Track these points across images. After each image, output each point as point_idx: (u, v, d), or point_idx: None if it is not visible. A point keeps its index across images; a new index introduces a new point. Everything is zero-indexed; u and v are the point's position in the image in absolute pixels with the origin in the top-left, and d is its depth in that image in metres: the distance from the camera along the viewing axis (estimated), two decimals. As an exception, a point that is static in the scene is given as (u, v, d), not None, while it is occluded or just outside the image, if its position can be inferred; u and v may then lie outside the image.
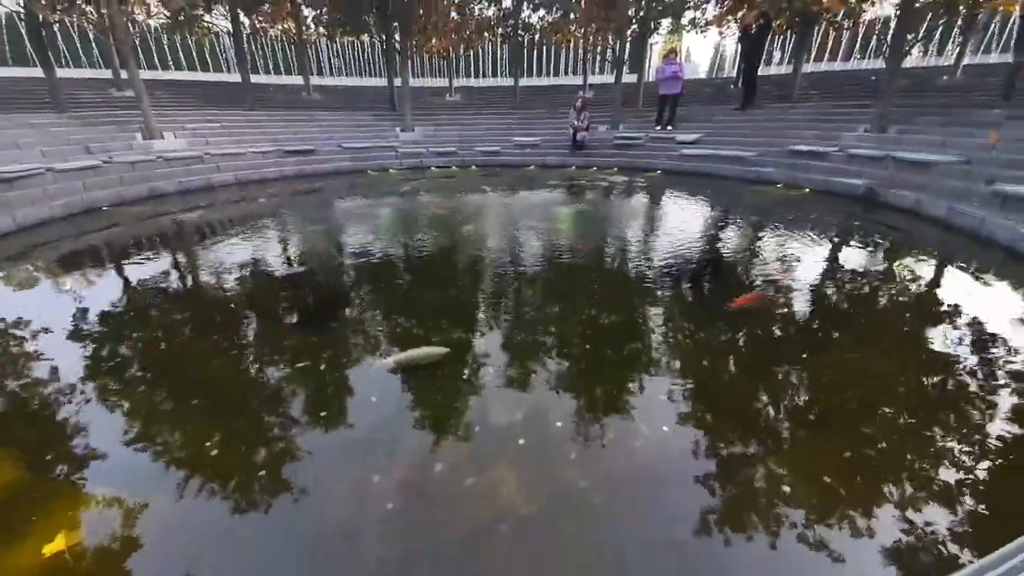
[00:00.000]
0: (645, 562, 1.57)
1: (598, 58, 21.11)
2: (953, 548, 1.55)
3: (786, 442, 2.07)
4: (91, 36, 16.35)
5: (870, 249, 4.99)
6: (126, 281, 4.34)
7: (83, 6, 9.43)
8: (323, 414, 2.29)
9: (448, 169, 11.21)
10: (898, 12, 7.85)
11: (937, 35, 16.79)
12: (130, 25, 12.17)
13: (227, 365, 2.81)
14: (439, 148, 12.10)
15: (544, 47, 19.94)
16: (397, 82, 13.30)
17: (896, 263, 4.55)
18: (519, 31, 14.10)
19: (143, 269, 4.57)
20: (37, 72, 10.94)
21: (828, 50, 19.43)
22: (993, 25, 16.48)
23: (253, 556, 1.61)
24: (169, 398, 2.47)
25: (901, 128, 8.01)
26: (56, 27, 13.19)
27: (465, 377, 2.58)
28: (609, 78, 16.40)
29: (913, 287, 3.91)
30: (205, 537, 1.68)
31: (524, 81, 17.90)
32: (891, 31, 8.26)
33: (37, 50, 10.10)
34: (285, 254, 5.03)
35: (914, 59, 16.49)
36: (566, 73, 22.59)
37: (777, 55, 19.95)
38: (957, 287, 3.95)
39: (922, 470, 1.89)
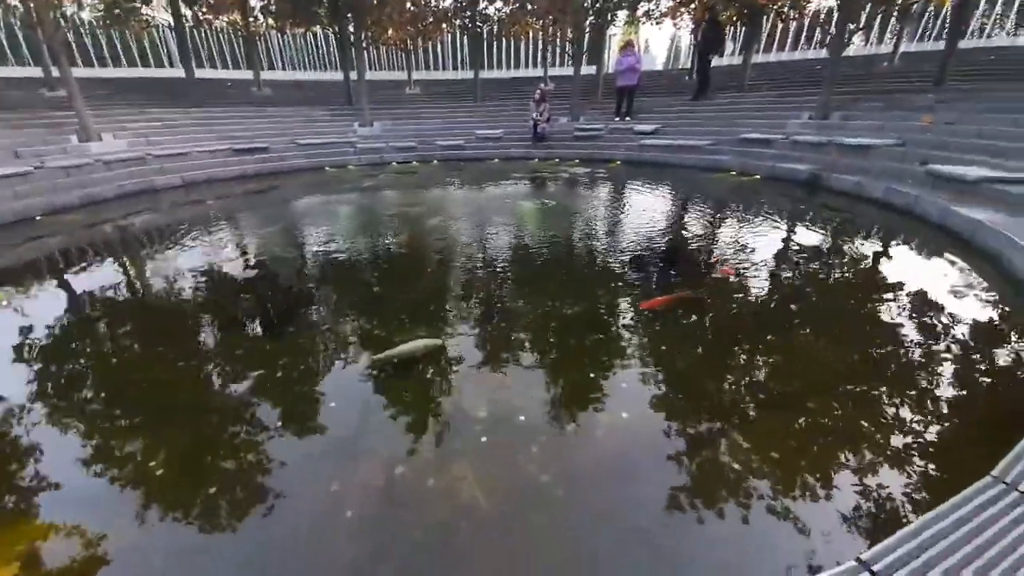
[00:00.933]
0: (611, 551, 1.62)
1: (558, 50, 21.19)
2: (905, 507, 1.68)
3: (743, 421, 2.16)
4: (18, 32, 15.13)
5: (813, 230, 5.27)
6: (63, 294, 4.07)
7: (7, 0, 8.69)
8: (279, 424, 2.23)
9: (409, 164, 11.04)
10: (839, 2, 8.21)
11: (876, 24, 17.69)
12: (60, 19, 11.30)
13: (177, 378, 2.69)
14: (399, 143, 11.88)
15: (504, 39, 19.80)
16: (353, 76, 12.93)
17: (837, 242, 4.81)
18: (477, 22, 13.95)
19: (80, 281, 4.30)
20: (-48, 70, 10.03)
21: (776, 41, 20.16)
22: (928, 13, 17.49)
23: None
24: (117, 416, 2.35)
25: (843, 114, 8.43)
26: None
27: (428, 376, 2.57)
28: (569, 70, 16.52)
29: (854, 264, 4.15)
30: (164, 557, 1.62)
31: (485, 73, 17.75)
32: (834, 21, 8.63)
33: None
34: (237, 258, 4.83)
35: (855, 48, 17.32)
36: (527, 65, 22.54)
37: (729, 46, 20.56)
38: (895, 262, 4.22)
39: (872, 437, 2.02)
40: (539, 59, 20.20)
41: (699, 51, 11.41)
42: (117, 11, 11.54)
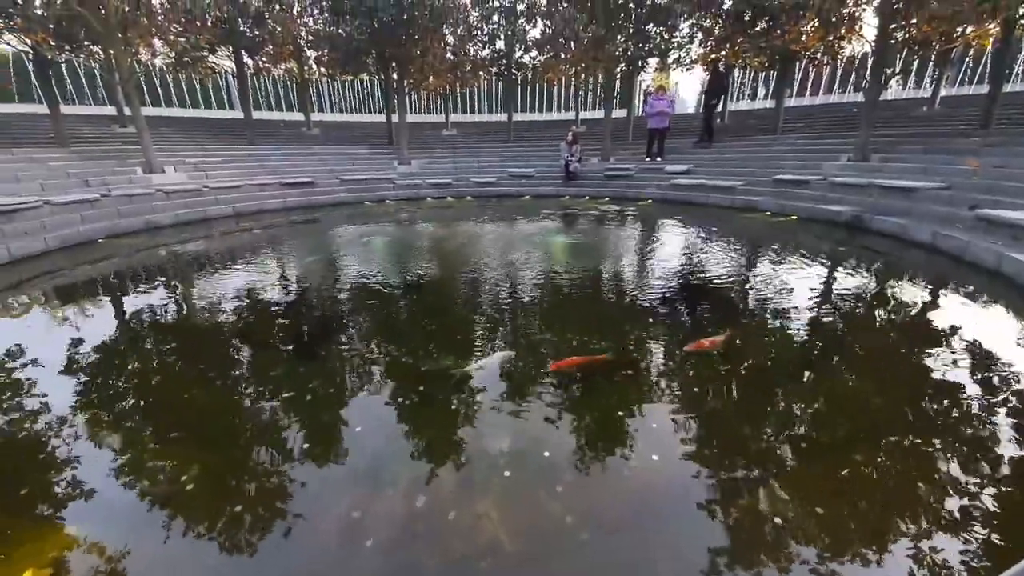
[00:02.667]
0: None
1: (589, 94, 21.89)
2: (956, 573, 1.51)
3: (780, 470, 2.03)
4: (97, 74, 16.86)
5: (858, 273, 5.06)
6: (116, 312, 4.32)
7: (90, 47, 9.75)
8: (307, 446, 2.24)
9: (444, 200, 11.40)
10: (874, 48, 8.23)
11: (914, 69, 17.54)
12: (135, 64, 12.56)
13: (216, 398, 2.77)
14: (435, 179, 12.35)
15: (537, 84, 20.66)
16: (395, 118, 13.69)
17: (884, 287, 4.60)
18: (512, 70, 14.63)
19: (133, 300, 4.56)
20: (43, 108, 11.22)
21: (810, 85, 20.22)
22: (968, 58, 17.26)
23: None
24: (155, 433, 2.42)
25: (883, 157, 8.27)
26: (63, 65, 13.59)
27: (453, 406, 2.55)
28: (600, 113, 16.96)
29: (904, 310, 3.94)
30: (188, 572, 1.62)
31: (518, 116, 18.46)
32: (869, 66, 8.63)
33: (43, 88, 10.39)
34: (280, 283, 5.03)
35: (893, 92, 17.17)
36: (558, 109, 23.33)
37: (761, 91, 20.75)
38: (948, 308, 3.98)
39: (921, 496, 1.86)
40: (570, 103, 20.87)
41: (705, 98, 11.85)
42: (186, 59, 12.73)
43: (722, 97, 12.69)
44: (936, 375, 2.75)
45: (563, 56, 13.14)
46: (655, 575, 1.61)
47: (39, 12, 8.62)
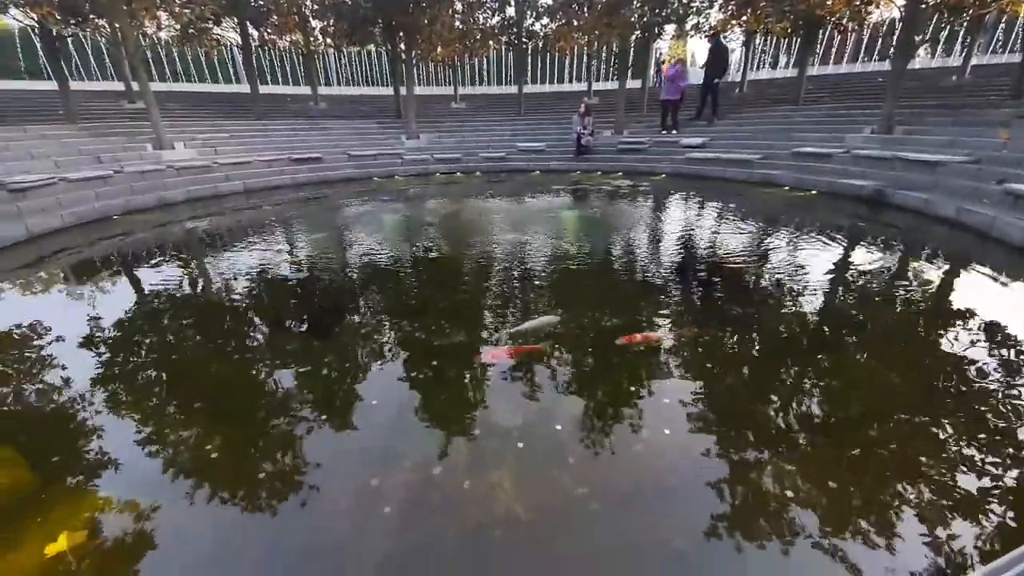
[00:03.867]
0: (642, 571, 1.54)
1: (602, 64, 21.21)
2: (964, 553, 1.51)
3: (793, 447, 2.03)
4: (104, 49, 16.72)
5: (878, 250, 4.94)
6: (134, 287, 4.39)
7: (95, 20, 9.63)
8: (323, 417, 2.29)
9: (453, 175, 11.28)
10: (903, 14, 7.81)
11: (943, 36, 16.68)
12: (141, 38, 12.41)
13: (233, 371, 2.82)
14: (444, 154, 12.19)
15: (548, 54, 20.05)
16: (403, 91, 13.44)
17: (905, 263, 4.49)
18: (523, 39, 14.18)
19: (151, 276, 4.62)
20: (52, 85, 11.19)
21: (834, 53, 19.37)
22: (1000, 25, 16.35)
23: (254, 558, 1.60)
24: (174, 403, 2.48)
25: (908, 129, 7.95)
26: (70, 41, 13.48)
27: (466, 380, 2.57)
28: (613, 84, 16.46)
29: (926, 287, 3.85)
30: (206, 539, 1.68)
31: (528, 88, 18.00)
32: (897, 33, 8.21)
33: (51, 64, 10.33)
34: (290, 259, 5.06)
35: (921, 60, 16.39)
36: (570, 80, 22.68)
37: (783, 59, 19.92)
38: (970, 286, 3.89)
39: (934, 476, 1.85)
40: (582, 73, 20.27)
41: (706, 73, 11.37)
42: (191, 30, 12.54)
43: (725, 71, 12.01)
44: (958, 354, 2.70)
45: (576, 23, 12.70)
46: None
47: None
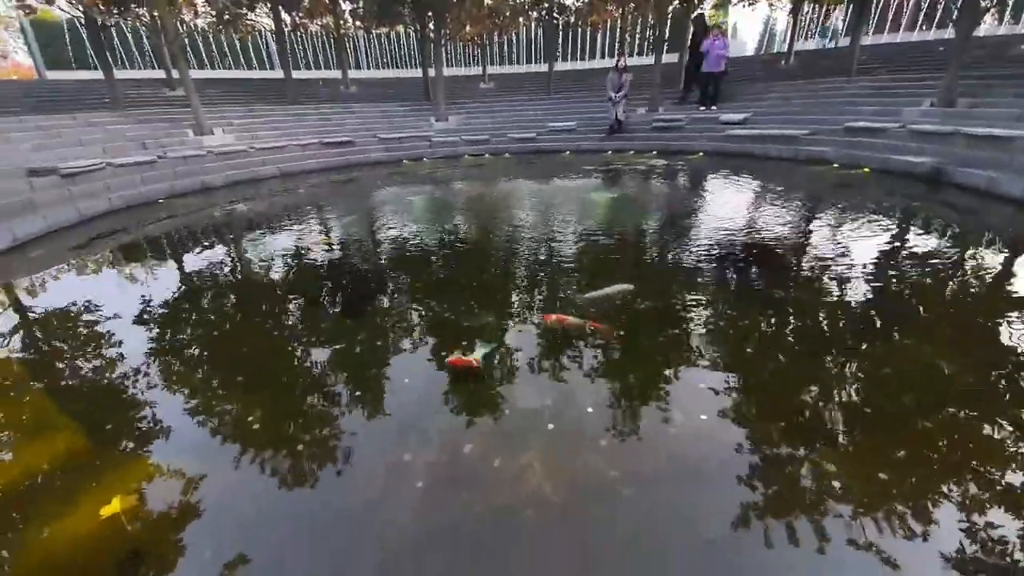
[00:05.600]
0: (672, 560, 1.49)
1: (636, 39, 20.40)
2: (1016, 556, 1.39)
3: (836, 438, 1.91)
4: (145, 37, 17.28)
5: (937, 232, 4.60)
6: (180, 268, 4.57)
7: (136, 9, 9.94)
8: (357, 392, 2.32)
9: (482, 157, 11.19)
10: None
11: (1012, 0, 15.23)
12: (179, 25, 12.73)
13: (270, 346, 2.90)
14: (473, 136, 12.09)
15: (579, 30, 19.44)
16: (431, 72, 13.34)
17: (967, 246, 4.16)
18: (554, 14, 13.76)
19: (194, 257, 4.80)
20: (97, 74, 11.67)
21: (889, 20, 18.00)
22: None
23: (293, 526, 1.65)
24: (218, 376, 2.58)
25: (972, 102, 7.33)
26: (113, 30, 13.99)
27: (497, 361, 2.55)
28: (647, 60, 15.82)
29: (988, 272, 3.56)
30: (247, 504, 1.74)
31: (559, 66, 17.55)
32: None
33: (97, 53, 10.76)
34: (323, 241, 5.14)
35: (986, 28, 15.03)
36: (602, 56, 21.99)
37: (836, 23, 18.62)
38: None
39: (987, 472, 1.71)
40: (615, 49, 19.58)
41: (690, 55, 10.96)
42: (226, 16, 12.78)
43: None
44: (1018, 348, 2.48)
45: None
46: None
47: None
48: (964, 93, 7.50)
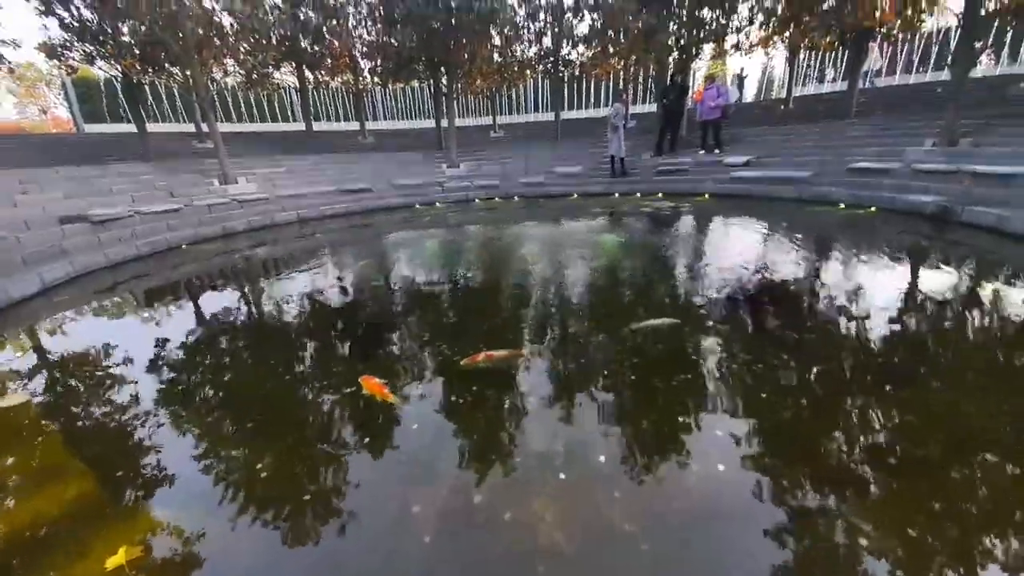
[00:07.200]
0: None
1: (639, 87, 21.26)
2: None
3: (861, 489, 1.85)
4: (177, 94, 18.49)
5: (950, 272, 4.56)
6: (197, 312, 4.69)
7: (170, 68, 10.71)
8: (367, 440, 2.31)
9: (492, 201, 11.50)
10: (961, 20, 7.40)
11: (1008, 41, 15.66)
12: (210, 83, 13.65)
13: (282, 391, 2.92)
14: (484, 181, 12.49)
15: (584, 80, 20.36)
16: (444, 123, 14.00)
17: (980, 285, 4.11)
18: (560, 67, 14.49)
19: (211, 300, 4.93)
20: (131, 127, 12.45)
21: (885, 64, 18.56)
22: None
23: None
24: (230, 423, 2.59)
25: (974, 140, 7.43)
26: (147, 87, 15.02)
27: (507, 406, 2.53)
28: (650, 107, 16.43)
29: (1004, 312, 3.50)
30: (254, 556, 1.71)
31: (565, 114, 18.30)
32: (954, 41, 7.77)
33: (131, 109, 11.52)
34: (337, 284, 5.25)
35: (983, 68, 15.41)
36: (606, 104, 22.87)
37: (830, 72, 19.28)
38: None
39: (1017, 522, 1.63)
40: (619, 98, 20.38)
41: (668, 109, 11.42)
42: (255, 75, 13.69)
43: (681, 97, 11.39)
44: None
45: (612, 49, 12.87)
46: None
47: (127, 39, 9.58)
48: (966, 132, 7.62)
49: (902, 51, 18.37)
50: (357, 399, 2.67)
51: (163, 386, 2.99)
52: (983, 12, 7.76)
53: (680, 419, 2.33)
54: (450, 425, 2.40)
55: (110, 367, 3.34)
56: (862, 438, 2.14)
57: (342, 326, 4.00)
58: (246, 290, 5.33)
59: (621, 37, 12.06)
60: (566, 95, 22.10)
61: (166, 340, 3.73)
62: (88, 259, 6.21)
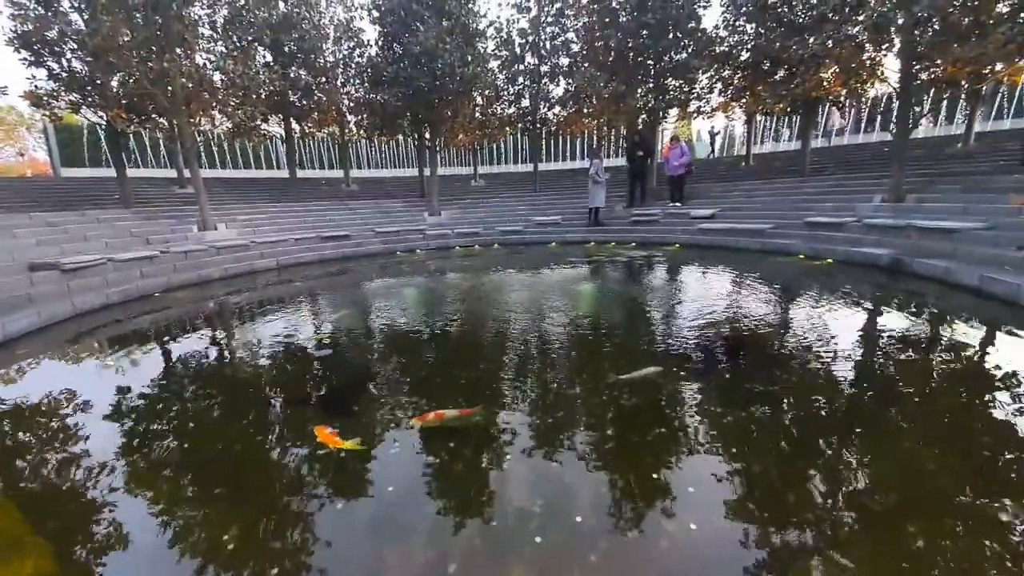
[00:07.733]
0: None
1: (612, 143, 22.52)
2: None
3: (837, 539, 1.91)
4: (161, 143, 18.64)
5: (905, 319, 4.85)
6: (163, 361, 4.56)
7: (156, 119, 10.88)
8: (340, 505, 2.27)
9: (472, 248, 11.73)
10: (899, 90, 8.23)
11: (943, 106, 17.33)
12: (196, 133, 13.87)
13: (251, 449, 2.85)
14: (464, 229, 12.79)
15: (559, 136, 21.48)
16: (427, 172, 14.46)
17: (936, 334, 4.38)
18: (537, 125, 15.33)
19: (178, 350, 4.81)
20: (108, 171, 12.43)
21: (849, 124, 20.23)
22: (1002, 92, 16.96)
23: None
24: (193, 485, 2.51)
25: (919, 197, 8.08)
26: (131, 135, 15.14)
27: (482, 463, 2.54)
28: (621, 161, 17.36)
29: (963, 360, 3.73)
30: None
31: (543, 166, 19.15)
32: (896, 106, 8.60)
33: (113, 155, 11.56)
34: (312, 334, 5.22)
35: (924, 129, 16.93)
36: (581, 157, 24.05)
37: (785, 132, 20.88)
38: (1007, 357, 3.73)
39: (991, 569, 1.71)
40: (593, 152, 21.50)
41: (635, 166, 12.36)
42: (242, 127, 14.01)
43: (646, 155, 12.35)
44: (1002, 430, 2.56)
45: (585, 111, 13.75)
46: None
47: (115, 91, 9.78)
48: (911, 189, 8.30)
49: (851, 114, 20.10)
50: (329, 459, 2.63)
51: (124, 447, 2.87)
52: (918, 82, 8.66)
53: (655, 476, 2.38)
54: (429, 481, 2.38)
55: (67, 427, 3.20)
56: (834, 487, 2.22)
57: (308, 378, 3.96)
58: (215, 339, 5.24)
59: (594, 100, 12.92)
60: (544, 148, 23.20)
61: (129, 394, 3.61)
62: (55, 308, 6.04)
